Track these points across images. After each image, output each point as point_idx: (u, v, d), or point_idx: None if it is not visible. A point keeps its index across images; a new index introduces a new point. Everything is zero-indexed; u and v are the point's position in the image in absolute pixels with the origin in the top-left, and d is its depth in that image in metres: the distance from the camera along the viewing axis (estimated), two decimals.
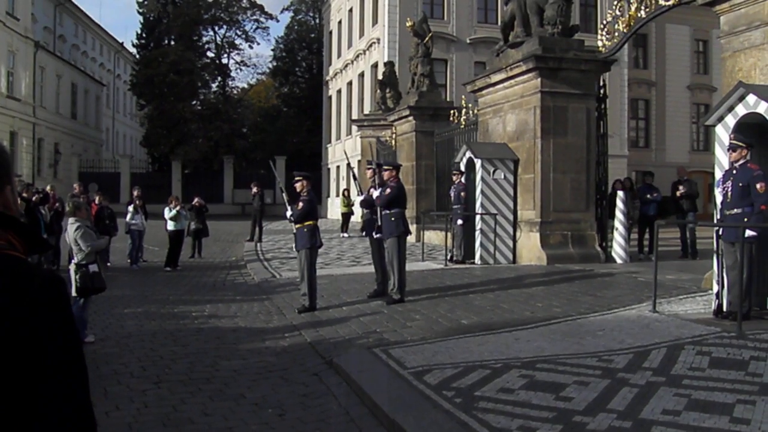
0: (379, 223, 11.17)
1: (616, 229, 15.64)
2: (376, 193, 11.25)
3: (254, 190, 24.48)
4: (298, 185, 11.06)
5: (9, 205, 1.76)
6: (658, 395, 5.72)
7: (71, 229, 9.07)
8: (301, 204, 10.87)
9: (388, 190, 11.01)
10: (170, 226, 17.64)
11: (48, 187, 20.33)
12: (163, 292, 13.41)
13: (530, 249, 15.30)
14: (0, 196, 1.73)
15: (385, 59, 33.29)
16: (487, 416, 5.39)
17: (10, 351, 1.50)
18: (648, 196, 17.19)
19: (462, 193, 16.17)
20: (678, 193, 16.95)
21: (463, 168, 16.44)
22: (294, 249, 11.43)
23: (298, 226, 10.86)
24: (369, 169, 12.33)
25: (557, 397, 5.79)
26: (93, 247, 8.85)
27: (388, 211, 11.00)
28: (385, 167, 11.56)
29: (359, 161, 31.56)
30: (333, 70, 49.25)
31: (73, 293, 8.61)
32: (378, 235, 11.27)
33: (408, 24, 24.09)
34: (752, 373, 6.25)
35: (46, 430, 1.51)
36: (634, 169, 38.25)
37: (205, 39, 60.73)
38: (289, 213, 10.92)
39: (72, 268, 8.95)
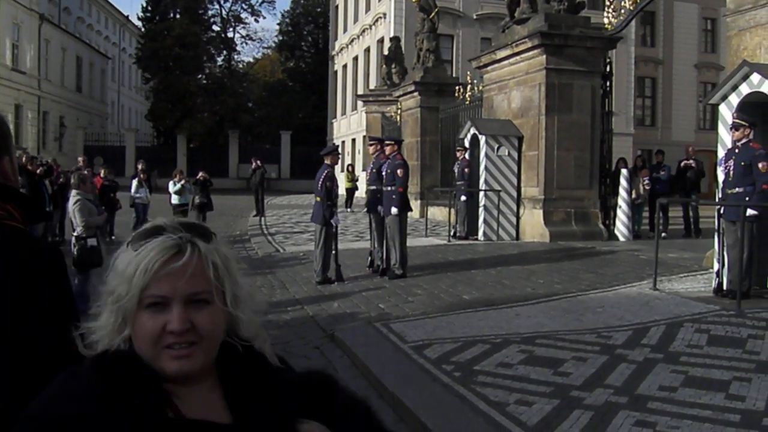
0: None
1: (620, 207, 15.65)
2: (383, 171, 11.30)
3: (254, 164, 24.50)
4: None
5: (8, 175, 1.78)
6: (656, 372, 5.77)
7: (71, 201, 9.10)
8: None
9: (400, 171, 11.05)
10: (175, 200, 17.67)
11: (50, 160, 20.40)
12: None
13: (533, 226, 15.32)
14: None
15: (391, 34, 33.15)
16: (485, 390, 5.45)
17: (7, 317, 1.54)
18: (655, 174, 17.17)
19: (466, 170, 16.16)
20: (683, 164, 16.89)
21: (467, 144, 16.43)
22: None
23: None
24: (371, 145, 12.35)
25: (555, 372, 5.85)
26: (87, 222, 8.83)
27: (390, 188, 11.03)
28: (387, 142, 11.59)
29: (364, 136, 31.50)
30: (339, 45, 49.03)
31: (72, 266, 8.60)
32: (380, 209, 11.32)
33: None
34: (749, 350, 6.30)
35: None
36: (639, 148, 38.08)
37: (210, 12, 60.53)
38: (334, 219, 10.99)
39: (72, 240, 8.98)
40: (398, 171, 11.05)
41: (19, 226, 1.70)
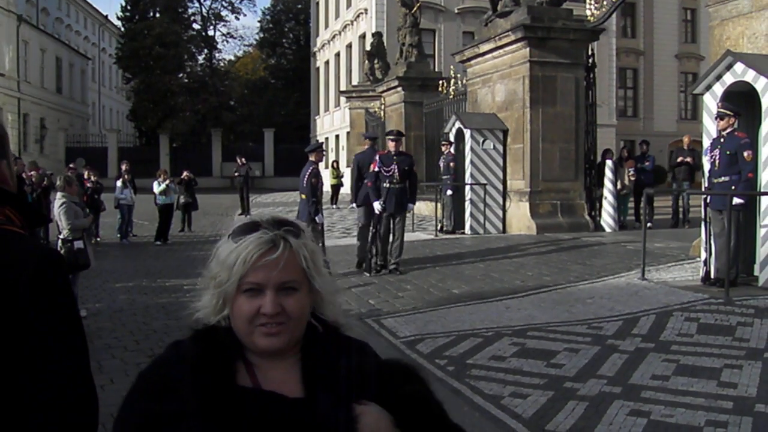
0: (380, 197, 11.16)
1: (605, 198, 15.73)
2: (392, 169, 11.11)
3: (239, 163, 24.45)
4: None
5: (5, 179, 1.76)
6: (647, 361, 5.81)
7: (56, 204, 9.03)
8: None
9: (415, 167, 11.28)
10: (159, 200, 17.58)
11: (32, 162, 20.24)
12: (154, 266, 13.40)
13: (520, 218, 15.36)
14: None
15: (373, 30, 33.09)
16: (479, 383, 5.46)
17: (9, 325, 1.52)
18: (640, 164, 17.22)
19: (451, 164, 16.19)
20: (679, 159, 16.89)
21: (452, 138, 16.44)
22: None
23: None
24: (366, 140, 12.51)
25: (548, 363, 5.87)
26: (73, 225, 8.78)
27: (405, 185, 11.01)
28: (392, 137, 11.27)
29: (348, 133, 31.43)
30: (320, 42, 48.91)
31: None
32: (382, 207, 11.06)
33: None
34: (739, 338, 6.35)
35: (48, 402, 1.54)
36: (622, 139, 38.26)
37: (190, 11, 60.23)
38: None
39: (58, 243, 8.91)
40: (414, 168, 11.29)
41: (19, 231, 1.69)
